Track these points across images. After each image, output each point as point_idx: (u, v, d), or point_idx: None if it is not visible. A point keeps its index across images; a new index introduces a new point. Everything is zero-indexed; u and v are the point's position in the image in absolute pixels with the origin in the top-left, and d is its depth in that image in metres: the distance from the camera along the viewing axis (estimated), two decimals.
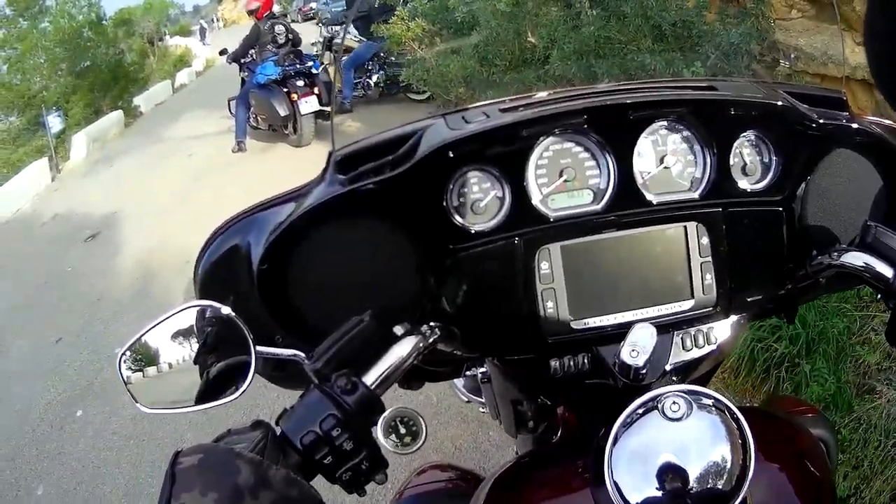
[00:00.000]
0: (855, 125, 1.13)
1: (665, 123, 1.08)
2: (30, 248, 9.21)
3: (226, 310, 0.93)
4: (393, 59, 10.27)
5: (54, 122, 16.33)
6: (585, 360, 1.07)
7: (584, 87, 1.17)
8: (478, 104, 1.16)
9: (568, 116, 1.03)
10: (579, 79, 5.43)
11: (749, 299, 1.12)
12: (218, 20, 65.37)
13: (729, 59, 4.92)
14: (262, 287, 1.03)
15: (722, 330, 1.11)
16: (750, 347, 3.16)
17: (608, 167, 1.06)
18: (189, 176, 9.72)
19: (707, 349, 1.10)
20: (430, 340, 1.02)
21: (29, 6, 20.02)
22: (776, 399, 2.57)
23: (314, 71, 9.51)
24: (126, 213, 8.98)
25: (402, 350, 0.98)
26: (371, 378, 0.93)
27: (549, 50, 5.94)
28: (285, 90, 9.16)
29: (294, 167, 8.28)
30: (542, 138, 1.04)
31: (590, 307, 1.06)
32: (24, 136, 19.35)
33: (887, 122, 1.22)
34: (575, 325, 1.05)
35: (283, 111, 9.16)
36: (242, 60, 10.05)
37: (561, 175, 1.05)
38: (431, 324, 1.05)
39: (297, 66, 9.35)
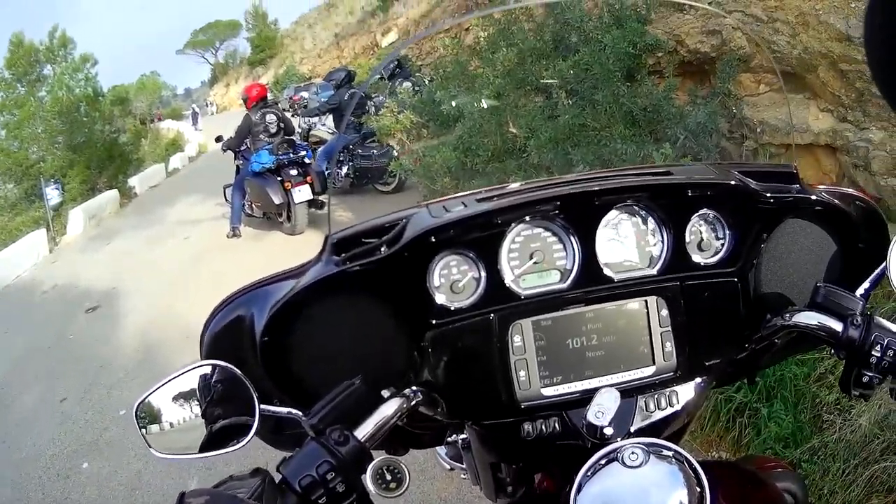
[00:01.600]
0: (805, 195, 1.23)
1: (624, 208, 1.18)
2: (32, 315, 9.59)
3: (235, 370, 1.05)
4: (360, 151, 10.86)
5: (52, 195, 15.86)
6: (556, 424, 1.16)
7: (553, 179, 1.29)
8: (457, 195, 1.29)
9: (536, 205, 1.14)
10: (556, 166, 5.76)
11: (708, 363, 1.20)
12: (211, 104, 65.42)
13: (697, 138, 5.25)
14: (264, 355, 1.15)
15: (685, 392, 1.20)
16: (714, 400, 3.39)
17: (573, 249, 1.16)
18: (186, 258, 10.04)
19: (670, 410, 1.18)
20: (413, 402, 1.11)
21: (27, 72, 20.43)
22: (749, 457, 2.69)
23: (307, 160, 9.83)
24: (125, 289, 9.29)
25: (388, 409, 1.07)
26: (361, 433, 1.02)
27: (529, 139, 6.28)
28: (279, 179, 9.49)
29: (288, 252, 8.67)
30: (513, 225, 1.14)
31: (559, 375, 1.15)
32: (21, 205, 19.40)
33: (841, 189, 1.33)
34: (545, 391, 1.15)
35: (277, 199, 9.45)
36: (238, 148, 10.43)
37: (531, 257, 1.15)
38: (415, 388, 1.14)
39: (291, 155, 9.63)
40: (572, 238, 1.17)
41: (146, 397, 1.08)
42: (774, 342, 1.27)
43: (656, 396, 1.19)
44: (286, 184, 9.44)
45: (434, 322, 1.15)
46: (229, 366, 1.06)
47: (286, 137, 10.00)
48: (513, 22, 7.15)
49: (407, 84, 12.75)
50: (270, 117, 10.05)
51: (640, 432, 1.15)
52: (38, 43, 20.75)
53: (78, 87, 21.21)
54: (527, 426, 1.17)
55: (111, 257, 11.89)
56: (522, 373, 1.15)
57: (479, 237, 1.15)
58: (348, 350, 1.18)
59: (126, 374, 6.42)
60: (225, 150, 10.80)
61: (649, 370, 1.17)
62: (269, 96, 11.25)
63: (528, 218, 1.16)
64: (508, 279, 1.16)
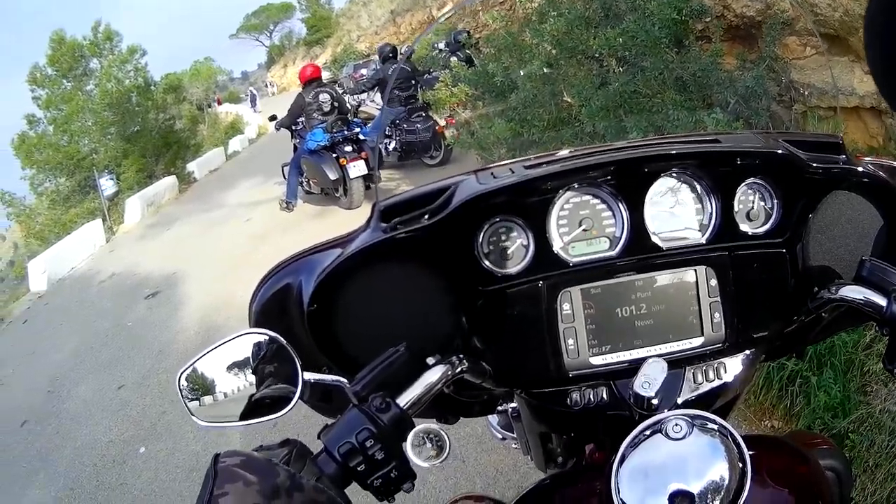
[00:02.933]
0: (852, 167, 1.23)
1: (673, 175, 1.19)
2: (89, 304, 9.86)
3: (279, 338, 1.06)
4: (406, 126, 11.11)
5: (107, 185, 16.40)
6: (604, 394, 1.17)
7: (602, 146, 1.28)
8: (504, 162, 1.30)
9: (585, 171, 1.14)
10: (610, 134, 5.76)
11: (756, 335, 1.20)
12: (271, 85, 66.14)
13: (748, 102, 5.21)
14: (311, 323, 1.17)
15: (734, 365, 1.20)
16: (766, 369, 3.40)
17: (622, 216, 1.17)
18: (247, 241, 10.17)
19: (718, 383, 1.19)
20: (459, 370, 1.11)
21: (72, 67, 20.69)
22: (794, 433, 2.64)
23: (361, 137, 10.21)
24: (185, 274, 9.45)
25: (432, 376, 1.07)
26: (403, 400, 1.02)
27: (582, 108, 6.29)
28: (335, 155, 9.85)
29: (348, 228, 8.64)
30: (562, 191, 1.15)
31: (607, 344, 1.16)
32: (75, 198, 19.82)
33: (887, 161, 1.32)
34: (594, 360, 1.15)
35: (333, 175, 9.81)
36: (294, 127, 10.88)
37: (580, 224, 1.16)
38: (461, 356, 1.14)
39: (345, 132, 10.02)
40: (621, 205, 1.17)
41: (190, 366, 1.09)
42: (821, 316, 1.26)
43: (704, 368, 1.19)
44: (341, 160, 9.75)
45: (482, 289, 1.16)
46: (273, 333, 1.06)
47: (340, 115, 10.30)
48: None
49: (459, 57, 12.79)
50: (324, 96, 10.29)
51: (688, 404, 1.15)
52: (82, 38, 21.29)
53: (127, 78, 21.55)
54: (574, 395, 1.18)
55: (170, 244, 12.10)
56: (571, 341, 1.15)
57: (528, 204, 1.15)
58: (394, 317, 1.19)
59: (186, 358, 6.29)
60: (278, 129, 11.27)
61: (697, 341, 1.17)
62: (328, 74, 11.99)
63: (576, 185, 1.16)
64: (557, 246, 1.16)
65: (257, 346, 1.09)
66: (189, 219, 13.64)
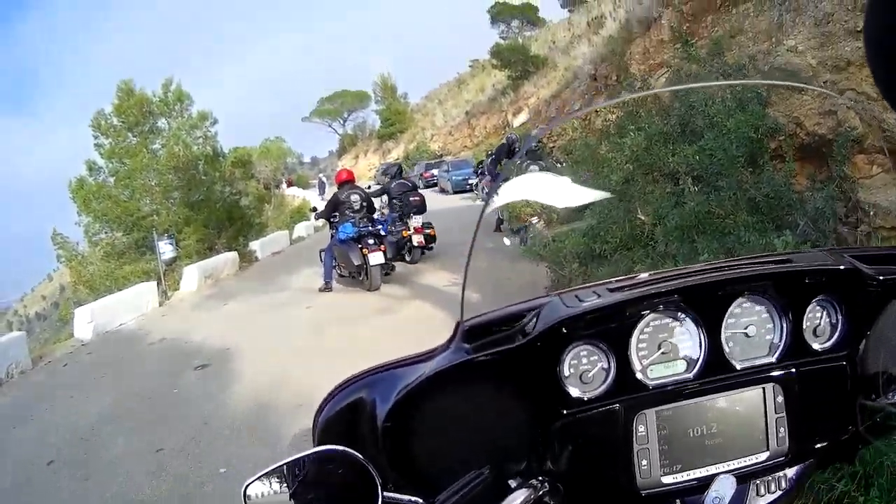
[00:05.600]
0: None
1: (748, 297, 1.24)
2: (135, 363, 9.92)
3: (358, 456, 1.06)
4: (393, 228, 13.40)
5: (166, 249, 16.59)
6: None
7: (680, 268, 1.36)
8: (587, 284, 1.34)
9: (671, 295, 1.19)
10: (682, 255, 5.84)
11: (817, 446, 1.25)
12: (329, 178, 66.92)
13: (816, 223, 5.32)
14: (387, 440, 1.16)
15: (794, 475, 1.25)
16: (815, 490, 3.33)
17: (700, 339, 1.22)
18: (305, 328, 10.21)
19: (778, 494, 1.24)
20: (540, 493, 1.14)
21: (138, 122, 20.95)
22: None
23: (382, 232, 12.28)
24: (239, 351, 9.40)
25: (515, 500, 1.09)
26: None
27: (657, 227, 6.45)
28: (359, 246, 11.84)
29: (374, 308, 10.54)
30: (645, 315, 1.20)
31: (678, 463, 1.19)
32: (130, 255, 19.97)
33: None
34: (665, 479, 1.19)
35: (356, 262, 11.82)
36: (331, 220, 12.80)
37: (659, 347, 1.21)
38: (540, 478, 1.17)
39: (370, 228, 12.09)
40: (699, 328, 1.23)
41: (257, 478, 1.09)
42: (877, 422, 1.28)
43: (768, 480, 1.24)
44: (364, 250, 11.81)
45: (564, 412, 1.19)
46: (353, 452, 1.07)
47: (367, 214, 12.51)
48: (640, 104, 7.41)
49: (540, 166, 13.09)
50: (354, 196, 12.48)
51: None
52: (151, 94, 21.75)
53: (196, 144, 21.99)
54: None
55: (226, 318, 12.23)
56: (644, 461, 1.19)
57: (612, 327, 1.20)
58: (472, 437, 1.21)
59: (232, 433, 6.40)
60: (317, 219, 14.70)
61: (763, 455, 1.22)
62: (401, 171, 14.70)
63: (661, 308, 1.22)
64: (636, 369, 1.21)
65: (329, 461, 1.10)
66: (247, 297, 13.85)
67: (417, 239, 13.51)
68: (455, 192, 30.30)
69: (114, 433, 6.94)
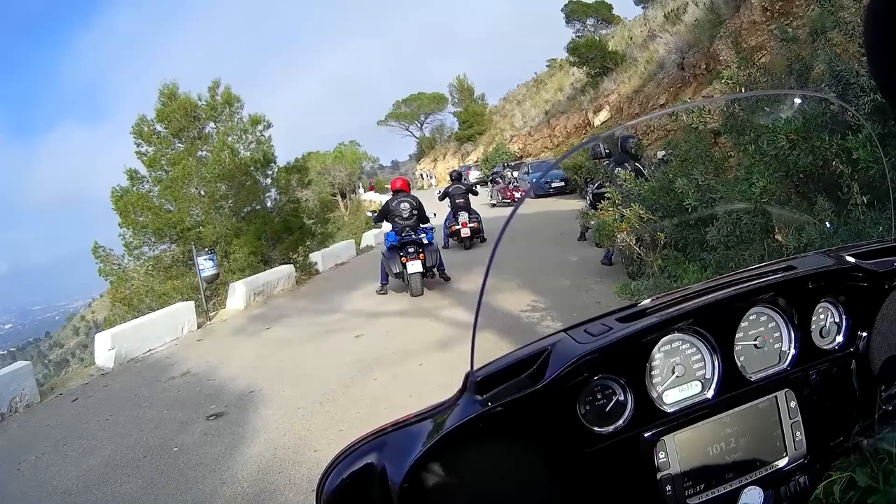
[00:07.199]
0: None
1: (755, 309, 1.28)
2: (145, 404, 8.78)
3: None
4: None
5: (205, 265, 15.02)
6: None
7: (683, 289, 1.38)
8: (594, 317, 1.31)
9: (682, 320, 1.21)
10: None
11: (832, 443, 1.31)
12: (429, 176, 67.23)
13: None
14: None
15: (813, 474, 1.28)
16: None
17: (712, 358, 1.24)
18: (350, 365, 8.89)
19: (800, 493, 1.26)
20: None
21: (184, 127, 19.51)
22: None
23: (425, 241, 13.18)
24: (265, 395, 8.26)
25: None
26: None
27: (798, 252, 4.98)
28: (401, 254, 12.94)
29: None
30: (657, 341, 1.20)
31: (702, 483, 1.19)
32: (177, 269, 19.03)
33: None
34: (691, 501, 1.18)
35: (396, 269, 12.93)
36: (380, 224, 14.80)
37: (673, 371, 1.21)
38: None
39: (412, 236, 13.09)
40: (711, 347, 1.24)
41: None
42: (889, 410, 1.32)
43: (790, 483, 1.25)
44: (403, 258, 12.87)
45: (586, 450, 1.15)
46: None
47: (414, 223, 13.43)
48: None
49: (626, 168, 11.42)
50: (404, 205, 13.45)
51: None
52: (197, 98, 20.11)
53: (248, 150, 20.72)
54: None
55: (264, 346, 11.03)
56: (668, 487, 1.16)
57: (626, 359, 1.18)
58: (491, 488, 1.11)
59: None
60: (374, 223, 17.48)
61: (783, 461, 1.24)
62: (478, 173, 18.57)
63: (676, 333, 1.22)
64: (653, 396, 1.20)
65: None
66: (295, 319, 12.90)
67: (464, 232, 18.42)
68: (537, 196, 29.11)
69: (109, 491, 6.08)
